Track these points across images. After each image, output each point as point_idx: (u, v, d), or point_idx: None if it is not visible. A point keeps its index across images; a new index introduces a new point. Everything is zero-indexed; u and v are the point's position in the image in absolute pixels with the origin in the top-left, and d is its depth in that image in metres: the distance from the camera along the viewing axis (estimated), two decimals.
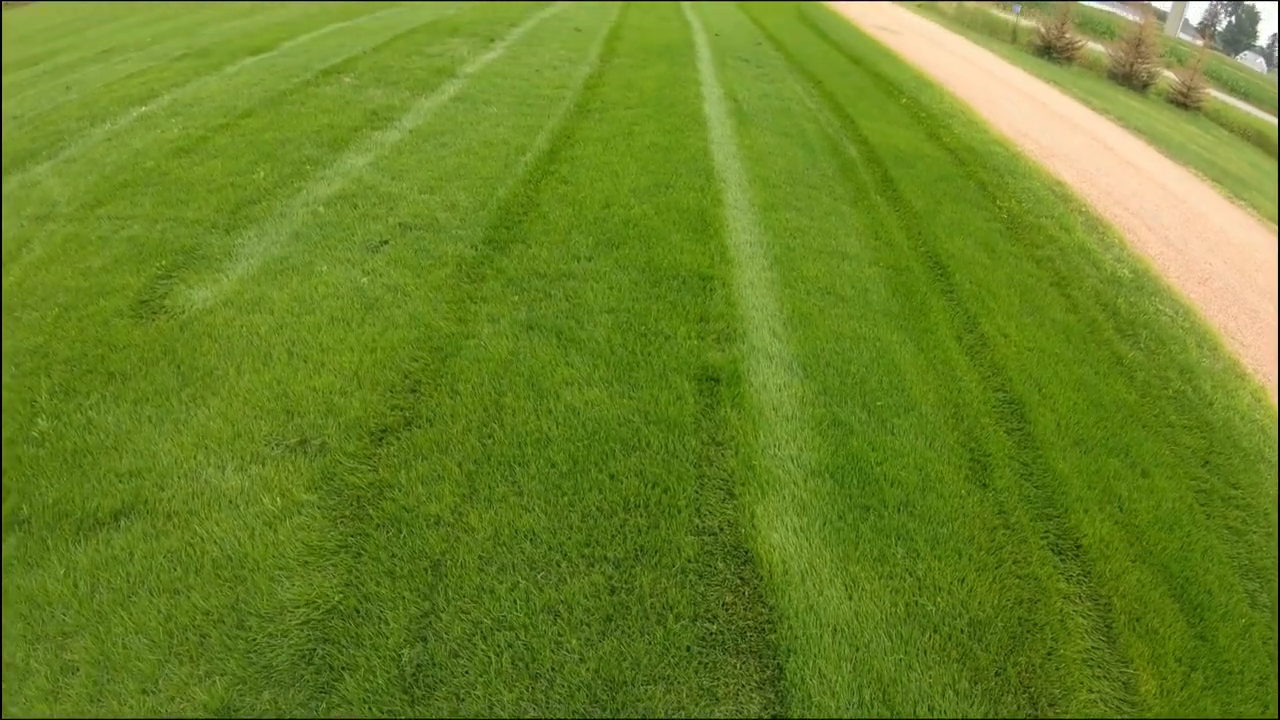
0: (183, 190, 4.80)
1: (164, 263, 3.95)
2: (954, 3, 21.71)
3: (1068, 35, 18.68)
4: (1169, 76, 21.37)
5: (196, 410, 2.91)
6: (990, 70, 12.46)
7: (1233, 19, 75.42)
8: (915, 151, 6.44)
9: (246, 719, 1.95)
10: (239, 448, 2.73)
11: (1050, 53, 18.49)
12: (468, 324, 3.38)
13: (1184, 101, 21.10)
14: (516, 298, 3.53)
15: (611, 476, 2.58)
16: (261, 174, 4.96)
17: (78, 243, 4.21)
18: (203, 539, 2.38)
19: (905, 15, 19.17)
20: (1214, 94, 23.29)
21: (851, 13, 15.78)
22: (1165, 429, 3.76)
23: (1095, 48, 20.01)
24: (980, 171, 6.43)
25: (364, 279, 3.73)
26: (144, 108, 6.67)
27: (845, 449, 2.97)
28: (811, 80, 8.42)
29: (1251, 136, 21.31)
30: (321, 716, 1.96)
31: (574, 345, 3.18)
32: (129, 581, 2.27)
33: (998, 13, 21.25)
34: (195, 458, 2.70)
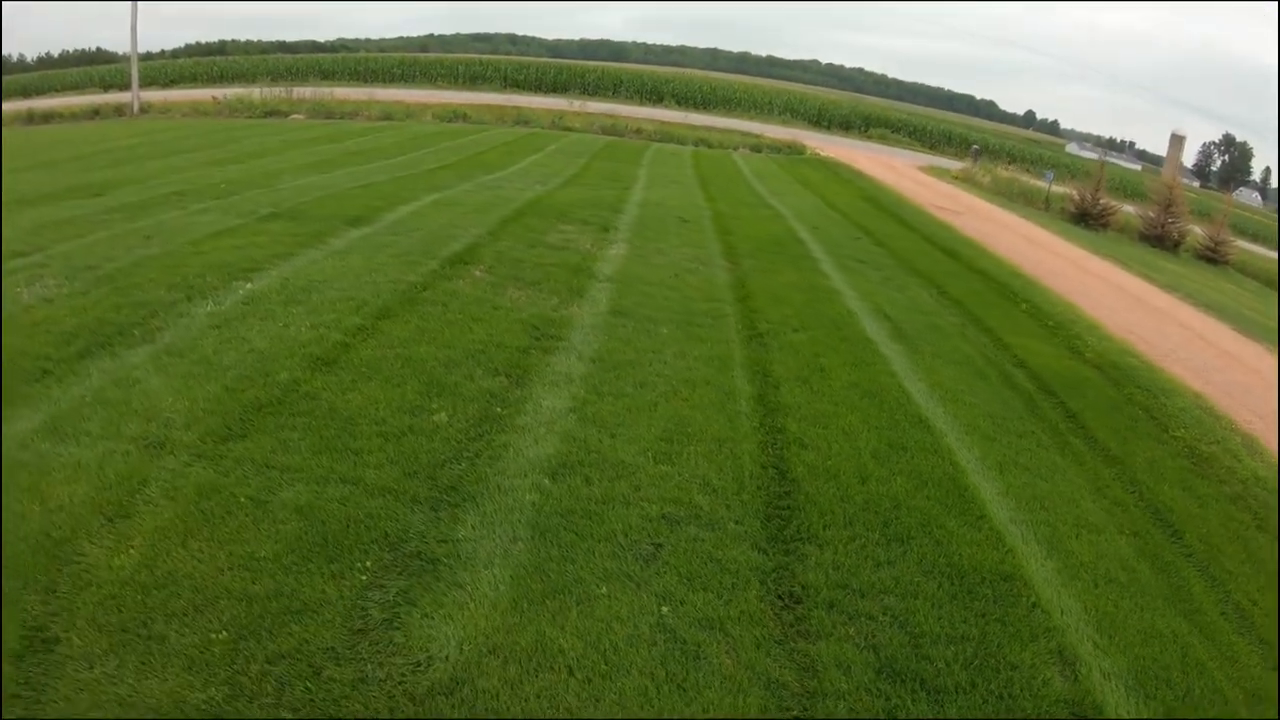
0: (344, 429, 3.90)
1: (368, 563, 3.00)
2: (989, 173, 23.17)
3: (1102, 202, 19.80)
4: (1196, 232, 22.42)
5: None
6: (1063, 255, 13.19)
7: (1226, 158, 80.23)
8: (1073, 375, 6.71)
9: None
10: None
11: (1085, 219, 19.54)
12: (819, 676, 2.85)
13: (1212, 256, 22.02)
14: (850, 629, 3.15)
15: None
16: (443, 415, 4.18)
17: (221, 504, 3.23)
18: None
19: (947, 189, 20.36)
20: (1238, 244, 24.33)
21: (904, 188, 16.80)
22: None
23: (1126, 209, 21.14)
24: (1136, 393, 6.68)
25: (663, 609, 3.00)
26: (249, 284, 5.94)
27: None
28: (930, 283, 8.89)
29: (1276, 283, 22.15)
30: None
31: (944, 696, 2.93)
32: None
33: (1031, 180, 22.63)
34: None
